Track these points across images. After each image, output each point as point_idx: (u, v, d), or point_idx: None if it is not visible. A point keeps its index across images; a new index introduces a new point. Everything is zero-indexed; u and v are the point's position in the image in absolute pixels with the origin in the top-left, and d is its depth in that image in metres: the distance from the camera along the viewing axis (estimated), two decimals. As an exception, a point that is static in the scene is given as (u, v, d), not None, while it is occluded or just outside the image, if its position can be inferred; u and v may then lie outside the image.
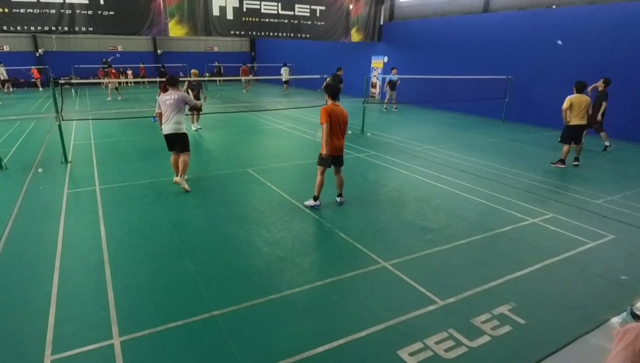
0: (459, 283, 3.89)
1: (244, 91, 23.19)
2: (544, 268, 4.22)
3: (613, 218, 5.57)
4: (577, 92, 7.88)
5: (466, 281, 3.92)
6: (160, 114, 6.17)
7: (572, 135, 8.07)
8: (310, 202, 5.68)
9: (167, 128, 6.11)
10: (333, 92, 5.41)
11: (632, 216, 5.65)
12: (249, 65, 30.39)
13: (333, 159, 5.55)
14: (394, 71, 15.76)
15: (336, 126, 5.33)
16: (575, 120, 7.93)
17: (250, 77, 26.11)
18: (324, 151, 5.38)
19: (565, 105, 7.92)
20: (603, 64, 11.36)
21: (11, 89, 22.04)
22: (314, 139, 10.56)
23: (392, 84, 15.81)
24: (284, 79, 22.32)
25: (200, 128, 11.68)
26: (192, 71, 12.30)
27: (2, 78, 21.64)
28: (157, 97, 6.83)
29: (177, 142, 6.24)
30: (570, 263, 4.34)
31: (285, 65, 22.99)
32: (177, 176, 6.40)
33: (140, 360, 2.88)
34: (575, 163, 8.33)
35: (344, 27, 17.83)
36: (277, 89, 24.95)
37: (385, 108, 16.57)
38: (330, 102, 5.37)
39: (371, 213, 5.63)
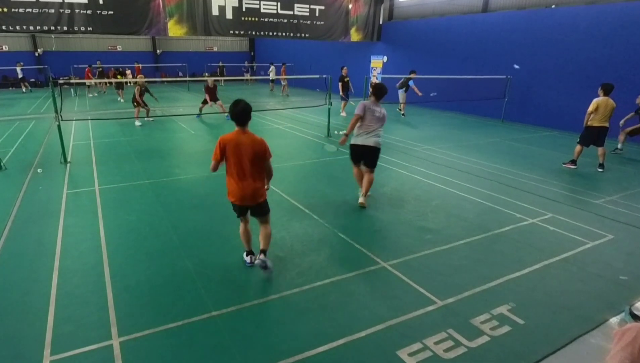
0: (458, 283, 3.89)
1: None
2: (543, 268, 4.23)
3: (612, 218, 5.58)
4: (605, 94, 7.60)
5: (465, 281, 3.93)
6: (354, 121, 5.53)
7: (591, 137, 7.78)
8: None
9: (368, 140, 5.54)
10: (236, 116, 3.70)
11: (631, 216, 5.66)
12: (247, 65, 30.53)
13: (244, 210, 3.95)
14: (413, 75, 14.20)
15: (237, 161, 3.71)
16: (597, 122, 7.62)
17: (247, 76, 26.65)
18: (232, 199, 3.85)
19: (591, 108, 7.62)
20: (603, 64, 11.36)
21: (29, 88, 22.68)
22: (314, 140, 10.57)
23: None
24: (271, 78, 22.41)
25: (141, 125, 12.01)
26: (127, 71, 12.75)
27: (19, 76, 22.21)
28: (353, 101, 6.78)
29: (370, 156, 5.65)
30: (569, 263, 4.35)
31: (272, 64, 22.92)
32: (362, 196, 5.75)
33: (140, 361, 2.88)
34: (600, 169, 7.87)
35: (343, 26, 17.82)
36: (275, 88, 24.94)
37: (403, 114, 14.92)
38: (237, 128, 3.74)
39: (370, 213, 5.63)
